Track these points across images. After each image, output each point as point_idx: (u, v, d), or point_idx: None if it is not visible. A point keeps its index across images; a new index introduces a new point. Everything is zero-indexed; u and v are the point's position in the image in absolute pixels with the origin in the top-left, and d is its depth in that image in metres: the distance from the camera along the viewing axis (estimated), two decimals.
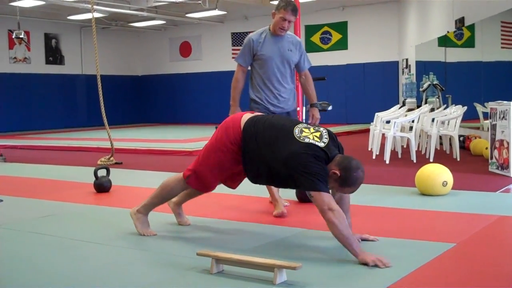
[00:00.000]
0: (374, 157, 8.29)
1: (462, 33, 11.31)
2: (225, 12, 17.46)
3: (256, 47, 4.61)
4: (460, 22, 10.81)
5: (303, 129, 3.40)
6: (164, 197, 3.89)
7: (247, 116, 3.64)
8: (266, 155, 3.42)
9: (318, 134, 3.34)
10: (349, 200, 3.59)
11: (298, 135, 3.34)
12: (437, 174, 5.14)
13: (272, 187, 4.41)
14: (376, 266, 3.00)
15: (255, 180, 3.66)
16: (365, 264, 3.03)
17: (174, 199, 4.13)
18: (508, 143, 6.36)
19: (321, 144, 3.27)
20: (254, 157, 3.50)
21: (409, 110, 10.48)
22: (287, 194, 5.04)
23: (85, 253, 3.48)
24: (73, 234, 3.93)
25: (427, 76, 12.05)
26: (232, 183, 3.90)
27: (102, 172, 5.75)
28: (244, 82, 4.72)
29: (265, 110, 4.58)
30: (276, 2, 4.67)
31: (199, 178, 3.72)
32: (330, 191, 3.28)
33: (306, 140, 3.29)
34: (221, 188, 3.98)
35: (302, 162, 3.21)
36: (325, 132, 3.38)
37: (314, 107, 4.80)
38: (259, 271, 2.88)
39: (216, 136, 3.66)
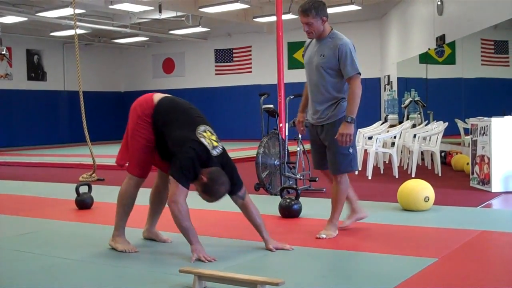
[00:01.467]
0: (356, 172, 8.31)
1: (443, 50, 11.44)
2: (208, 29, 17.52)
3: (304, 53, 4.44)
4: (441, 39, 10.95)
5: (207, 130, 3.68)
6: (125, 204, 3.93)
7: (160, 94, 3.93)
8: (169, 131, 3.70)
9: (215, 143, 3.65)
10: (256, 209, 3.85)
11: (199, 132, 3.62)
12: (419, 189, 5.17)
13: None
14: (200, 260, 3.41)
15: (161, 152, 3.86)
16: (198, 258, 3.43)
17: (145, 228, 4.18)
18: (488, 159, 6.43)
19: (212, 152, 3.59)
20: (161, 130, 3.76)
21: (391, 126, 10.55)
22: (271, 210, 5.04)
23: (67, 270, 3.45)
24: (54, 252, 3.89)
25: (408, 93, 12.16)
26: (164, 164, 3.96)
27: (84, 189, 5.70)
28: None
29: (308, 122, 4.32)
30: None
31: (136, 163, 3.89)
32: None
33: (202, 140, 3.59)
34: (202, 204, 3.97)
35: (184, 151, 3.53)
36: (221, 148, 3.66)
37: (343, 121, 4.03)
38: (241, 287, 2.87)
39: (132, 119, 3.89)
